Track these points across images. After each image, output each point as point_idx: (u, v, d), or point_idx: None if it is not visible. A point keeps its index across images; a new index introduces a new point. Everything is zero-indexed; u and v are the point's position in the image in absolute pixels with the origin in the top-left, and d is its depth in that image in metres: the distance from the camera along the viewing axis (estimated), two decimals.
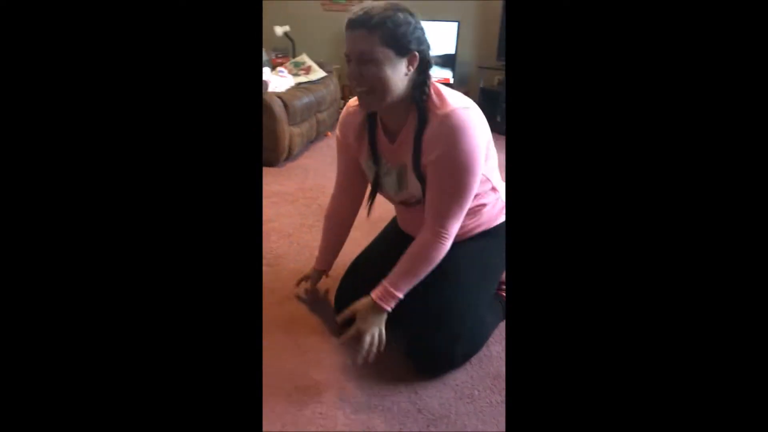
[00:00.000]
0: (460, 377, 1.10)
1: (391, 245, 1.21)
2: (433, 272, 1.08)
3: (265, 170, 2.52)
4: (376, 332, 1.01)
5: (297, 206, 2.06)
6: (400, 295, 1.03)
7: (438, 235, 1.01)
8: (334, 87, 3.36)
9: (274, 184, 2.35)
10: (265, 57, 3.48)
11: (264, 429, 0.94)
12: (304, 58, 3.38)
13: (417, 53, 0.92)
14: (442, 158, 0.95)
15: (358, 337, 1.01)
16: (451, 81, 3.54)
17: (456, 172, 0.96)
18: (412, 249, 1.04)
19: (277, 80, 2.91)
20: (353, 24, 0.90)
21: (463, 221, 1.06)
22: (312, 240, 1.74)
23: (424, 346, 1.07)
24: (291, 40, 3.86)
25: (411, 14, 0.92)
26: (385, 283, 1.04)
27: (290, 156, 2.70)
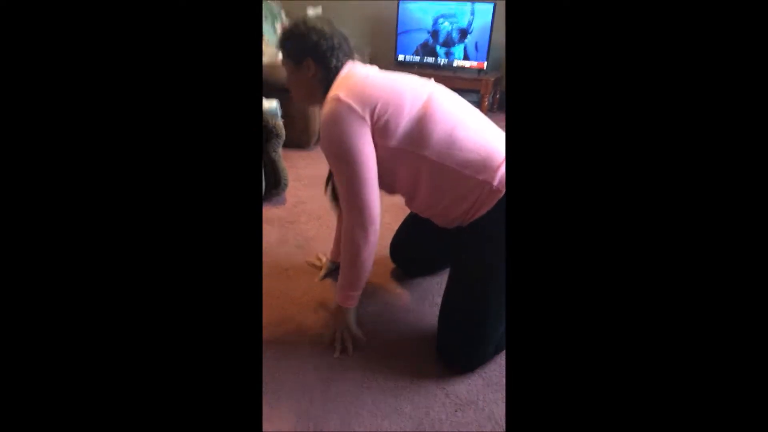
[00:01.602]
0: (489, 365, 1.09)
1: None
2: (458, 274, 1.08)
3: (297, 153, 2.54)
4: (344, 329, 1.12)
5: None
6: (356, 292, 1.10)
7: (348, 226, 1.02)
8: None
9: (306, 167, 2.36)
10: None
11: (292, 402, 0.96)
12: None
13: (311, 59, 1.03)
14: (322, 146, 1.00)
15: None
16: (485, 66, 3.46)
17: (333, 159, 0.99)
18: (341, 247, 1.07)
19: None
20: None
21: (430, 203, 1.06)
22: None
23: (454, 346, 1.06)
24: None
25: (307, 26, 1.03)
26: (338, 285, 1.11)
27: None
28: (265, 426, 0.91)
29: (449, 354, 1.07)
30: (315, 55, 1.02)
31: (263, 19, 3.20)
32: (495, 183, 0.99)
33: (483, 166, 0.99)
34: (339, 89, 0.98)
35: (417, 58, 3.67)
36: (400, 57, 3.71)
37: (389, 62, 3.84)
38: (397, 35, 3.68)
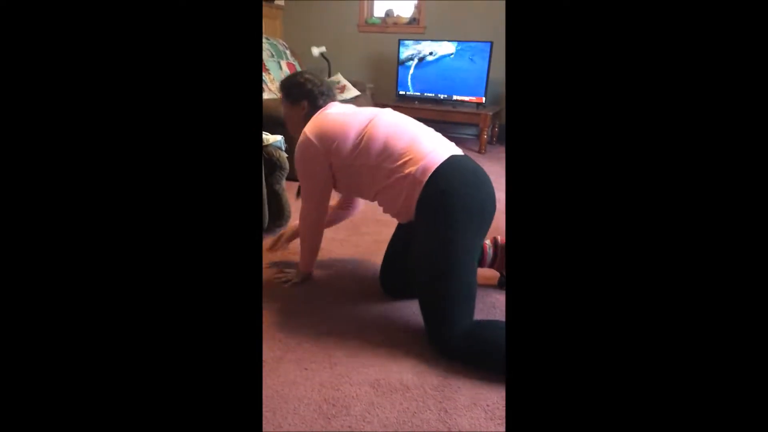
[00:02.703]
0: (492, 398, 1.08)
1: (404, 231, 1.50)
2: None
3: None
4: (291, 275, 1.59)
5: None
6: (307, 260, 1.54)
7: (300, 213, 1.48)
8: (367, 105, 3.43)
9: None
10: None
11: None
12: (339, 77, 3.47)
13: (305, 101, 1.44)
14: (295, 163, 1.42)
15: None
16: (483, 100, 3.55)
17: (298, 172, 1.41)
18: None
19: None
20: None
21: (382, 203, 1.35)
22: (344, 254, 1.76)
23: (427, 330, 1.25)
24: (327, 60, 3.98)
25: (304, 77, 1.45)
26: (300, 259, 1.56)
27: None
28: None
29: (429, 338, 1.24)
30: (309, 98, 1.44)
31: (270, 57, 3.31)
32: (417, 174, 1.23)
33: (410, 162, 1.25)
34: (308, 126, 1.37)
35: (417, 93, 3.77)
36: (401, 92, 3.81)
37: (391, 97, 3.94)
38: (398, 71, 3.80)
